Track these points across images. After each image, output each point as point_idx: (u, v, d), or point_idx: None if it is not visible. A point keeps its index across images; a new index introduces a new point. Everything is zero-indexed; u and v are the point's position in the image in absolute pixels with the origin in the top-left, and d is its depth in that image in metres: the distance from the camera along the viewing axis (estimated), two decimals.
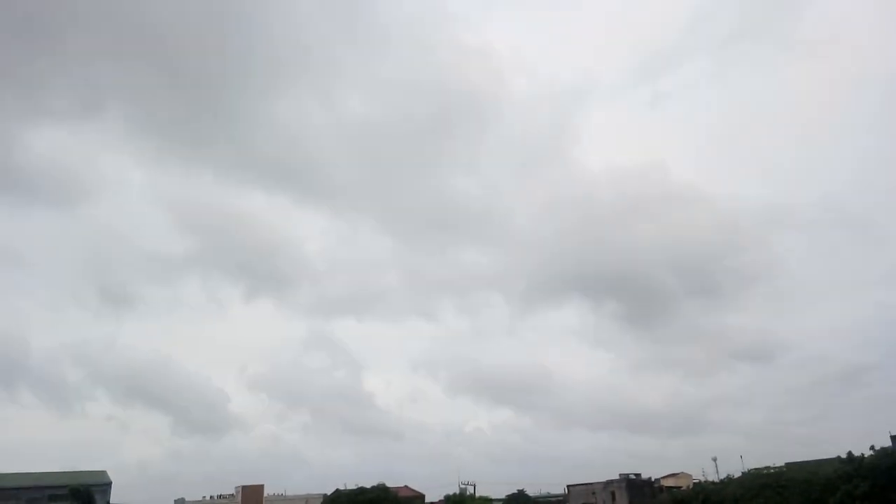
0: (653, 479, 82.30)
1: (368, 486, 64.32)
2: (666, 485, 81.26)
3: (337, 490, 67.99)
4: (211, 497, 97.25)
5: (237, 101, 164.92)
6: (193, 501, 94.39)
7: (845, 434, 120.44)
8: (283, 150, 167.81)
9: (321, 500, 71.50)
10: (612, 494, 76.62)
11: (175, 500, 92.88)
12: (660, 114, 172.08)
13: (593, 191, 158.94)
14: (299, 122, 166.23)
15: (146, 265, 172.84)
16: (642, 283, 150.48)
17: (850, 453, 47.37)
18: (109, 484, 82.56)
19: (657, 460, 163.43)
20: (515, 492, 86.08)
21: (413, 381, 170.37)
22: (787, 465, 62.47)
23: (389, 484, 67.34)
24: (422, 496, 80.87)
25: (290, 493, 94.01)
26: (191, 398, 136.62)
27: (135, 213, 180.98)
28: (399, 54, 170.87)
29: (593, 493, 78.04)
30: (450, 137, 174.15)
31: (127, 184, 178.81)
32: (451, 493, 73.35)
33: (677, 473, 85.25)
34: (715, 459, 77.37)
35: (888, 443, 51.42)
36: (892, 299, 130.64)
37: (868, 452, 47.18)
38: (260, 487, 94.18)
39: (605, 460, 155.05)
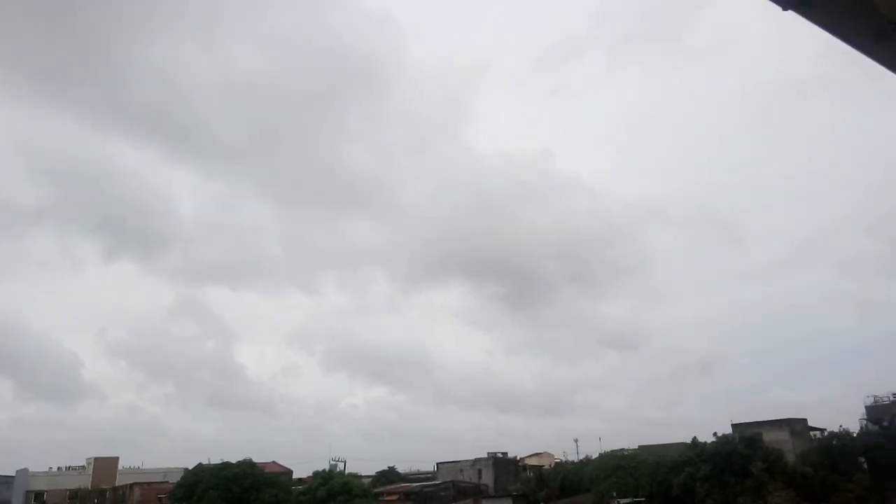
0: (518, 458, 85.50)
1: (234, 461, 62.40)
2: (530, 463, 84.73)
3: (199, 464, 65.32)
4: (59, 468, 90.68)
5: (106, 37, 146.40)
6: (39, 472, 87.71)
7: (695, 420, 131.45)
8: (157, 99, 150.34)
9: (181, 474, 68.46)
10: (479, 472, 78.82)
11: (17, 471, 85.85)
12: (554, 104, 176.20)
13: (483, 173, 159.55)
14: (176, 69, 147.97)
15: None
16: (524, 269, 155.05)
17: (694, 439, 51.36)
18: None
19: (524, 440, 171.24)
20: (385, 468, 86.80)
21: (288, 355, 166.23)
22: (640, 447, 66.79)
23: (257, 459, 65.63)
24: (289, 472, 79.51)
25: (147, 466, 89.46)
26: (38, 361, 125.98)
27: None
28: (291, 9, 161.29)
29: (461, 471, 79.94)
30: (341, 103, 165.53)
31: None
32: (320, 469, 72.70)
33: (541, 453, 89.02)
34: (576, 441, 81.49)
35: (729, 430, 56.11)
36: (745, 297, 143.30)
37: (711, 439, 51.49)
38: (114, 460, 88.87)
39: (476, 439, 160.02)
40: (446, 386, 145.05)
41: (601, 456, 64.07)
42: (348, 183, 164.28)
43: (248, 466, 62.32)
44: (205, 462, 65.32)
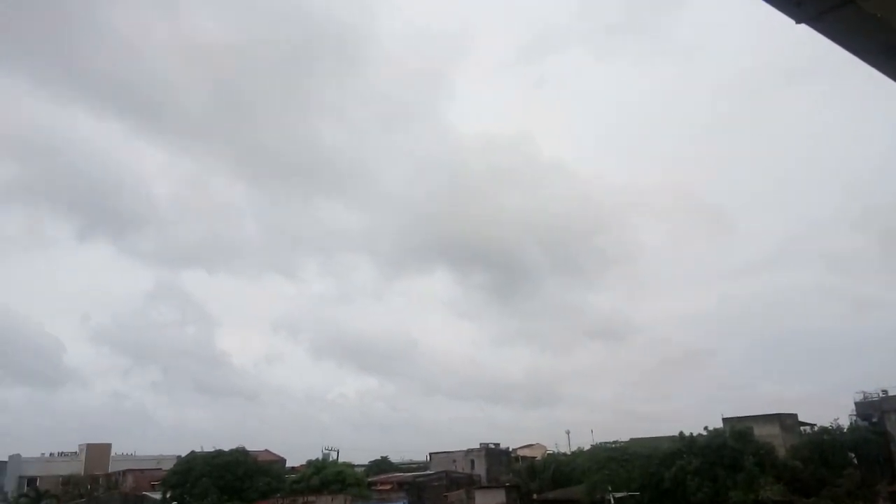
0: (510, 449, 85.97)
1: (225, 449, 62.46)
2: (522, 454, 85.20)
3: (192, 452, 65.35)
4: (51, 455, 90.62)
5: (63, 3, 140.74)
6: (31, 458, 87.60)
7: (683, 414, 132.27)
8: (119, 68, 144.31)
9: (174, 461, 68.52)
10: (472, 462, 79.26)
11: (10, 456, 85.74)
12: (537, 91, 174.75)
13: (463, 154, 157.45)
14: (138, 37, 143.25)
15: None
16: (508, 257, 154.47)
17: (681, 433, 51.74)
18: None
19: (514, 431, 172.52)
20: (378, 458, 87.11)
21: (272, 342, 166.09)
22: (632, 440, 67.23)
23: (248, 447, 65.76)
24: (282, 460, 79.71)
25: (140, 453, 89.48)
26: (19, 345, 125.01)
27: None
28: None
29: (454, 461, 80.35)
30: (315, 76, 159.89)
31: None
32: (313, 458, 72.81)
33: (533, 444, 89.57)
34: (568, 432, 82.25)
35: (720, 424, 56.47)
36: (734, 291, 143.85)
37: (702, 432, 51.81)
38: (107, 447, 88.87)
39: (466, 429, 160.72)
40: (434, 376, 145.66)
41: (593, 448, 64.42)
42: (322, 161, 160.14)
43: (241, 454, 62.42)
44: (197, 450, 65.40)
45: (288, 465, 78.87)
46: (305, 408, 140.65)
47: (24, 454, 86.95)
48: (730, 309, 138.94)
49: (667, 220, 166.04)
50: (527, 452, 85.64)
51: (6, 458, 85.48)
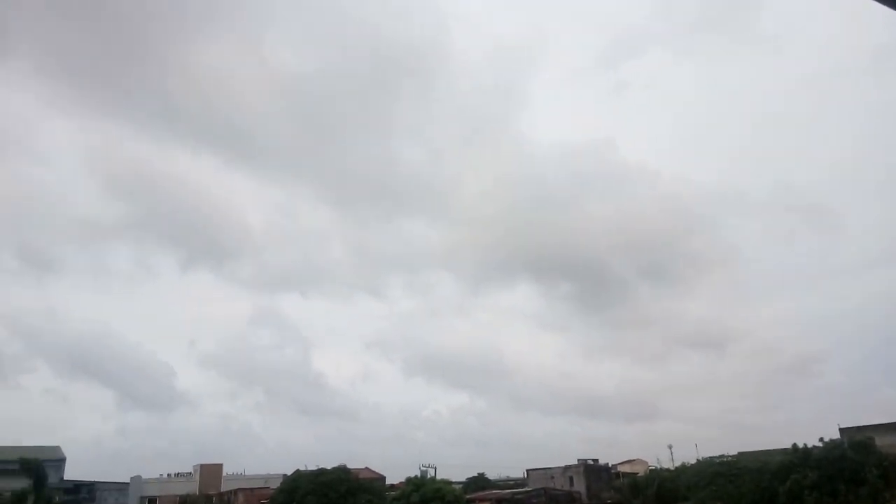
0: (609, 465, 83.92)
1: (326, 466, 64.31)
2: (622, 471, 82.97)
3: (297, 471, 67.74)
4: (168, 475, 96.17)
5: (156, 47, 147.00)
6: (150, 479, 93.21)
7: (795, 424, 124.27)
8: (209, 105, 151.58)
9: (280, 480, 71.21)
10: (571, 479, 77.90)
11: (132, 478, 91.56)
12: (616, 96, 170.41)
13: (541, 165, 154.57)
14: (226, 74, 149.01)
15: (69, 228, 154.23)
16: (594, 266, 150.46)
17: (794, 445, 48.96)
18: (63, 460, 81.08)
19: (612, 446, 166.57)
20: (475, 475, 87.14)
21: (365, 361, 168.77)
22: (740, 454, 64.20)
23: (348, 465, 67.46)
24: (382, 478, 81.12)
25: (249, 472, 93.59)
26: (136, 372, 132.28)
27: (52, 169, 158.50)
28: (327, 5, 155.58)
29: (552, 478, 79.23)
30: (390, 97, 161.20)
31: (40, 134, 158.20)
32: (411, 475, 73.86)
33: (633, 460, 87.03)
34: (670, 447, 79.24)
35: (836, 434, 53.11)
36: (845, 291, 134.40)
37: (818, 444, 48.86)
38: (219, 466, 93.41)
39: (561, 445, 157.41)
40: (525, 391, 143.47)
41: (698, 463, 61.95)
42: (403, 180, 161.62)
43: (342, 472, 64.10)
44: (301, 468, 67.64)
45: (387, 482, 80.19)
46: (400, 425, 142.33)
47: (144, 475, 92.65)
48: (842, 310, 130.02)
49: (764, 218, 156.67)
50: (627, 468, 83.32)
51: (128, 480, 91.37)
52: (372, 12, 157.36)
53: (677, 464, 69.55)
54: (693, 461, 64.31)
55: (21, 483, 64.41)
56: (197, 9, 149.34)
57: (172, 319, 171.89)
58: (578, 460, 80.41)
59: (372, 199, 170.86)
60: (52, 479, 71.47)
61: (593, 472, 78.48)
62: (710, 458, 61.99)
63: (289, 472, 70.46)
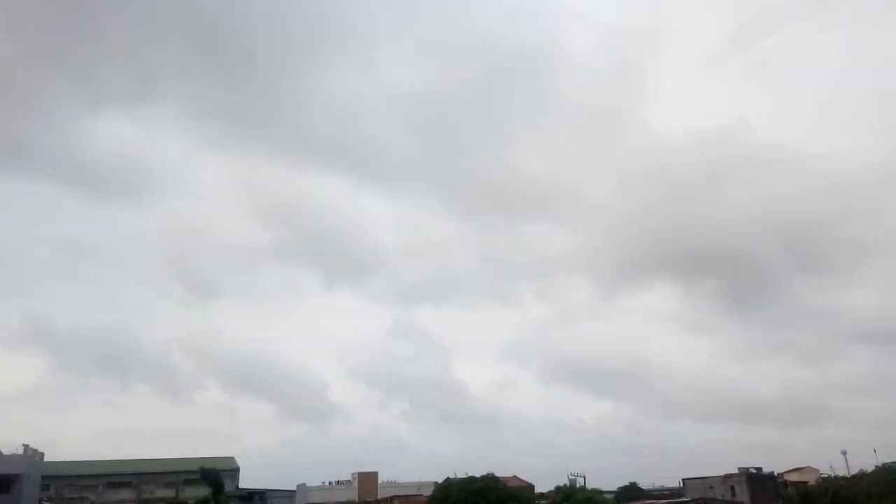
0: (775, 473, 78.19)
1: (474, 474, 65.28)
2: (790, 479, 77.10)
3: (447, 478, 69.45)
4: (329, 483, 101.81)
5: (283, 79, 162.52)
6: (314, 487, 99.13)
7: None
8: (335, 129, 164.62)
9: (432, 487, 73.30)
10: (732, 489, 73.42)
11: (297, 486, 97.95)
12: (750, 76, 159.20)
13: (674, 156, 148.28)
14: (346, 97, 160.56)
15: (224, 255, 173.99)
16: (740, 258, 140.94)
17: None
18: (237, 469, 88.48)
19: (777, 453, 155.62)
20: (627, 484, 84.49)
21: (502, 370, 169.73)
22: None
23: (496, 473, 67.99)
24: (531, 487, 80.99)
25: (401, 479, 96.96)
26: (294, 387, 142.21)
27: (204, 202, 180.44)
28: (438, 14, 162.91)
29: (711, 488, 75.10)
30: (506, 100, 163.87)
31: (190, 169, 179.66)
32: (559, 484, 73.19)
33: (802, 467, 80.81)
34: (844, 453, 72.72)
35: None
36: None
37: None
38: (374, 474, 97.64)
39: (718, 452, 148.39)
40: (673, 397, 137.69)
41: (878, 469, 56.39)
42: (526, 183, 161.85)
43: (492, 481, 64.81)
44: (450, 475, 69.32)
45: (537, 490, 80.00)
46: (543, 432, 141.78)
47: (309, 483, 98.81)
48: None
49: None
50: (796, 477, 77.39)
51: (294, 487, 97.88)
52: (481, 16, 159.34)
53: (853, 471, 64.04)
54: (871, 468, 58.72)
55: (202, 491, 71.07)
56: (310, 36, 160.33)
57: (320, 335, 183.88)
58: (739, 468, 75.74)
59: (496, 206, 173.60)
60: (227, 487, 78.09)
61: (757, 481, 73.49)
62: (892, 463, 56.24)
63: (438, 479, 72.46)
